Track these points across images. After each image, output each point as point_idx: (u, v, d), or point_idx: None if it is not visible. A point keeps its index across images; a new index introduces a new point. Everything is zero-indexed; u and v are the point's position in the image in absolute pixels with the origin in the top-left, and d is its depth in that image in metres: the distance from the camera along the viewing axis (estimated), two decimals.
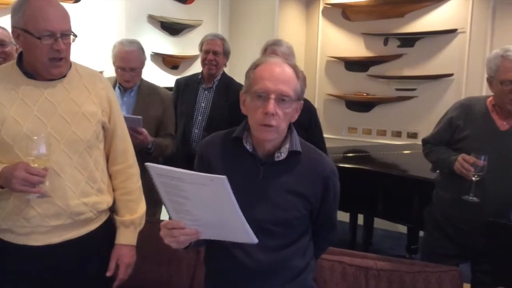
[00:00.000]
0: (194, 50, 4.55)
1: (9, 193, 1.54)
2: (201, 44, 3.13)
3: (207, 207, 1.25)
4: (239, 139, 1.48)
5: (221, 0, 4.95)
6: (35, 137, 1.47)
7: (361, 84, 5.08)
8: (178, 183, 1.22)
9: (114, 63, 2.62)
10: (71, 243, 1.64)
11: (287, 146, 1.46)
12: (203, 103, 3.13)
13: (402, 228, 4.35)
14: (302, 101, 1.48)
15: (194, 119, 3.09)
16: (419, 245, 3.21)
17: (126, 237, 1.77)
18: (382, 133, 5.03)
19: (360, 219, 4.05)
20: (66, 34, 1.56)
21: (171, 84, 3.36)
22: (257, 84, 1.39)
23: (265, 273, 1.46)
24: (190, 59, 4.63)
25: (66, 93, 1.62)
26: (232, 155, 1.49)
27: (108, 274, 1.73)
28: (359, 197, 3.30)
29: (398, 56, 4.88)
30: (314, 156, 1.51)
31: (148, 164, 1.21)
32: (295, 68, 1.46)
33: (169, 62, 4.49)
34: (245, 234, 1.28)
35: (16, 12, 1.55)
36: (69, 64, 1.66)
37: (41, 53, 1.53)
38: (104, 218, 1.76)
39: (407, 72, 4.87)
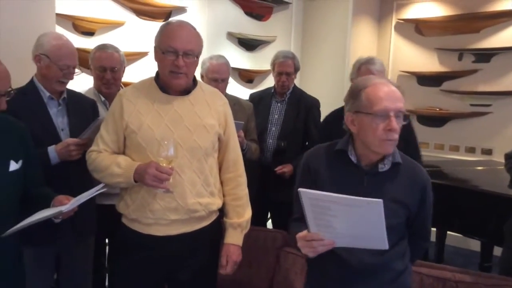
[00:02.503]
0: (268, 65, 4.70)
1: (140, 187, 1.80)
2: (273, 64, 3.31)
3: (354, 223, 1.40)
4: (343, 152, 1.62)
5: (295, 17, 5.11)
6: (166, 141, 1.70)
7: (433, 99, 5.05)
8: (330, 205, 1.38)
9: (205, 76, 2.84)
10: (185, 236, 1.87)
11: (390, 158, 1.59)
12: (276, 114, 3.32)
13: (474, 246, 4.28)
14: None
15: (268, 130, 3.28)
16: (497, 262, 3.17)
17: (234, 238, 1.98)
18: (455, 149, 4.96)
19: (432, 236, 4.02)
20: (188, 54, 1.79)
21: (246, 97, 3.55)
22: (377, 105, 1.51)
23: (368, 274, 1.58)
24: (264, 74, 4.81)
25: (191, 107, 1.87)
26: (337, 165, 1.63)
27: (222, 271, 1.96)
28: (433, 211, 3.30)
29: (473, 71, 4.81)
30: (413, 167, 1.64)
31: (301, 190, 1.39)
32: (398, 86, 1.59)
33: (245, 76, 4.70)
34: (381, 242, 1.42)
35: (157, 33, 1.85)
36: (192, 81, 1.91)
37: (164, 66, 1.80)
38: (213, 217, 1.98)
39: (482, 88, 4.79)
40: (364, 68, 2.64)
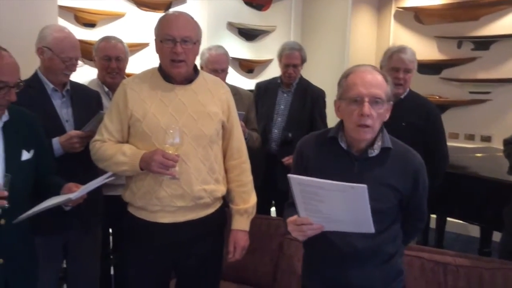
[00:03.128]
0: (268, 55, 4.77)
1: (146, 175, 1.83)
2: (280, 56, 3.31)
3: (340, 207, 1.45)
4: (335, 139, 1.65)
5: (294, 6, 5.12)
6: (171, 129, 1.74)
7: (433, 87, 5.07)
8: (317, 190, 1.43)
9: (204, 67, 2.85)
10: (191, 223, 1.90)
11: (379, 143, 1.62)
12: (282, 105, 3.32)
13: (474, 232, 4.32)
14: (392, 103, 1.63)
15: (273, 120, 3.30)
16: (496, 247, 3.22)
17: (241, 224, 2.02)
18: (454, 136, 4.99)
19: (432, 222, 4.06)
20: (185, 40, 1.82)
21: (246, 86, 3.58)
22: (351, 91, 1.56)
23: (360, 257, 1.62)
24: (264, 63, 4.83)
25: (195, 96, 1.89)
26: (328, 152, 1.67)
27: (230, 257, 2.00)
28: (432, 198, 3.34)
29: (472, 59, 4.84)
30: (404, 152, 1.66)
31: (290, 175, 1.43)
32: (383, 74, 1.62)
33: (245, 66, 4.72)
34: (367, 225, 1.47)
35: (156, 26, 1.88)
36: (194, 70, 1.94)
37: (164, 55, 1.83)
38: (218, 205, 2.01)
39: (482, 75, 4.81)
40: (396, 56, 2.65)
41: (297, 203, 1.48)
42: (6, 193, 1.52)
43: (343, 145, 1.64)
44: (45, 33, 2.19)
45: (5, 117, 1.67)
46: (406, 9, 5.19)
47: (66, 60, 2.16)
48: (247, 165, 2.07)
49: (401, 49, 2.65)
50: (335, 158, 1.65)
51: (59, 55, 2.15)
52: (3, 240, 1.64)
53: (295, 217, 1.53)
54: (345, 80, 1.61)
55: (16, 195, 1.59)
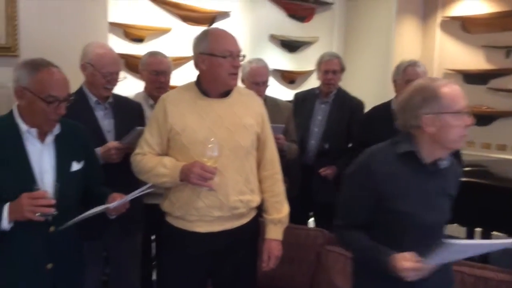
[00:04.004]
0: (310, 66, 4.79)
1: (184, 186, 1.91)
2: (319, 64, 3.34)
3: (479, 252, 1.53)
4: (411, 153, 1.63)
5: (337, 17, 5.13)
6: (210, 143, 1.81)
7: (480, 97, 4.94)
8: (470, 248, 1.53)
9: (245, 80, 2.93)
10: (227, 232, 1.97)
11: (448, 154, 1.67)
12: (320, 116, 3.34)
13: None
14: None
15: (310, 131, 3.32)
16: None
17: (275, 233, 2.06)
18: (501, 148, 4.83)
19: (478, 235, 3.95)
20: (239, 55, 1.94)
21: (288, 98, 3.63)
22: (457, 104, 1.59)
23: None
24: (306, 74, 4.87)
25: (230, 109, 1.98)
26: (403, 168, 1.64)
27: (264, 266, 2.04)
28: (478, 212, 3.26)
29: None
30: (452, 158, 1.72)
31: (448, 241, 1.39)
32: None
33: (287, 77, 4.78)
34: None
35: (201, 42, 1.95)
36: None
37: (223, 70, 1.91)
38: (252, 214, 2.08)
39: None
40: (410, 69, 2.81)
41: (433, 255, 1.46)
42: (53, 201, 1.62)
43: (425, 159, 1.63)
44: (87, 50, 2.33)
45: (57, 130, 1.79)
46: (452, 18, 5.09)
47: (106, 75, 2.28)
48: (279, 176, 2.12)
49: (415, 63, 2.85)
50: (412, 174, 1.63)
51: (100, 70, 2.27)
52: (53, 246, 1.75)
53: (413, 259, 1.51)
54: (443, 94, 1.58)
55: (65, 204, 1.70)
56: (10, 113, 1.75)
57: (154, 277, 2.96)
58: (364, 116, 3.21)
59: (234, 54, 1.91)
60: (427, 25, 5.34)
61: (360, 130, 3.15)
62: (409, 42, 5.21)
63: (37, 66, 1.70)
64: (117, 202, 1.78)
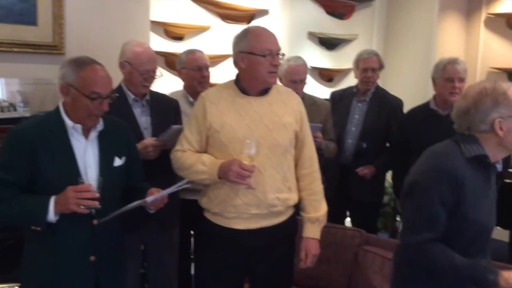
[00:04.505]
0: (348, 63, 4.71)
1: (223, 183, 1.93)
2: (357, 61, 3.28)
3: None
4: (482, 157, 1.61)
5: (378, 14, 5.05)
6: (248, 140, 1.82)
7: None
8: None
9: (283, 78, 2.91)
10: (264, 230, 1.98)
11: None
12: (357, 115, 3.29)
13: None
14: None
15: (346, 130, 3.28)
16: None
17: (312, 231, 2.07)
18: None
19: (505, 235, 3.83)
20: (278, 54, 1.95)
21: (326, 96, 3.60)
22: None
23: None
24: (344, 72, 4.81)
25: (269, 107, 1.99)
26: (477, 173, 1.62)
27: (302, 265, 2.05)
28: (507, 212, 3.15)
29: None
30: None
31: None
32: None
33: (325, 75, 4.74)
34: None
35: (241, 40, 1.96)
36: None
37: (263, 68, 1.92)
38: (290, 212, 2.08)
39: None
40: (450, 67, 2.79)
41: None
42: (98, 195, 1.67)
43: (497, 164, 1.65)
44: (125, 48, 2.38)
45: (100, 126, 1.84)
46: (497, 15, 4.93)
47: (143, 72, 2.32)
48: (318, 174, 2.11)
49: (455, 60, 2.82)
50: (483, 178, 1.64)
51: (137, 68, 2.32)
52: (96, 239, 1.80)
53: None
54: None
55: (108, 198, 1.75)
56: (57, 109, 1.81)
57: (192, 271, 3.01)
58: (403, 117, 3.15)
59: (273, 52, 1.92)
60: (471, 23, 5.19)
61: (399, 131, 3.10)
62: (452, 40, 5.07)
63: (82, 63, 1.75)
64: (154, 196, 1.81)
